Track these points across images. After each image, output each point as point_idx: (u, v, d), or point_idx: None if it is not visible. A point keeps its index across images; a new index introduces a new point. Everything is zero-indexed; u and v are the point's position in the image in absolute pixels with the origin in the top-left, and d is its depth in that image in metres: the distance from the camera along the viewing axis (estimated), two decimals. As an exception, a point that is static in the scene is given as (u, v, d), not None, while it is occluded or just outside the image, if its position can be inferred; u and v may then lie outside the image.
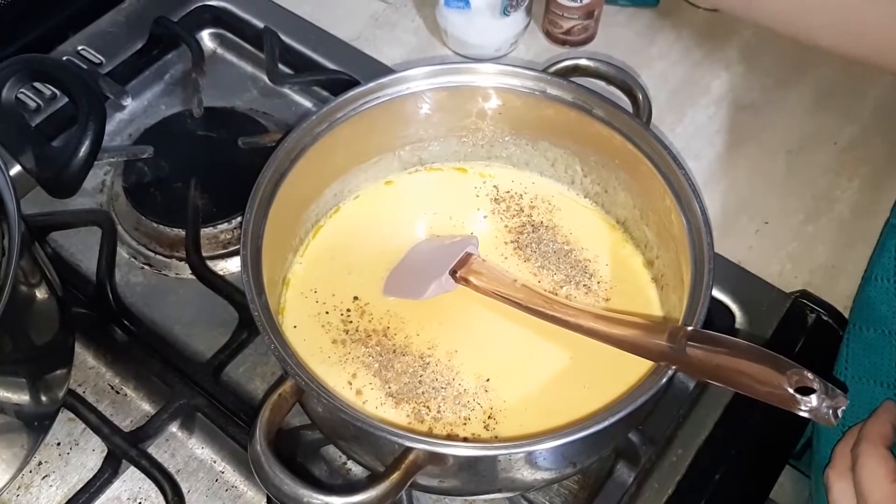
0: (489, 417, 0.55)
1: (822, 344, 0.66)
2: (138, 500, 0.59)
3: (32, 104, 0.75)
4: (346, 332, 0.59)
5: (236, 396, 0.62)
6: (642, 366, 0.53)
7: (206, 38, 0.84)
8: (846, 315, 0.67)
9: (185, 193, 0.70)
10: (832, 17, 0.58)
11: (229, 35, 0.84)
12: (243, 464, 0.60)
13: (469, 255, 0.60)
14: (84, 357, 0.65)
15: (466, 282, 0.59)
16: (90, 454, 0.61)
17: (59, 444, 0.61)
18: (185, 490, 0.59)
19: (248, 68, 0.83)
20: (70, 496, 0.57)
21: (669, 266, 0.58)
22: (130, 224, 0.70)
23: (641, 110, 0.60)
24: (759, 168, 0.77)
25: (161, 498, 0.57)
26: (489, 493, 0.56)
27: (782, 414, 0.45)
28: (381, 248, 0.63)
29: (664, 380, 0.48)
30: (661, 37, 0.86)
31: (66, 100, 0.67)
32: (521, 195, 0.66)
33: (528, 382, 0.57)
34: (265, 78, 0.79)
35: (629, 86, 0.61)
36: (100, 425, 0.59)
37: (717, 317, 0.65)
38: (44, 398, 0.58)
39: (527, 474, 0.51)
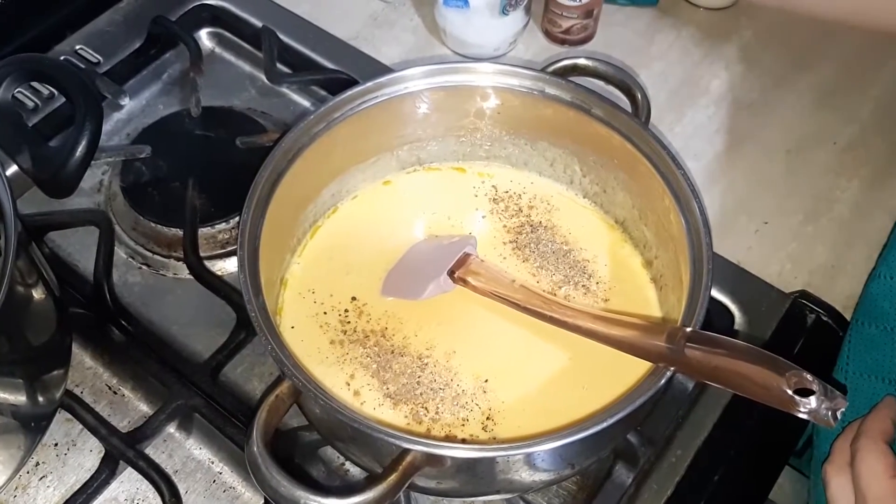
0: (487, 418, 0.55)
1: (822, 344, 0.66)
2: (136, 501, 0.59)
3: (30, 104, 0.75)
4: (344, 332, 0.59)
5: (234, 397, 0.62)
6: (641, 367, 0.52)
7: (204, 37, 0.84)
8: (846, 315, 0.67)
9: (183, 193, 0.70)
10: None
11: (227, 34, 0.84)
12: (241, 465, 0.60)
13: (467, 255, 0.60)
14: (81, 357, 0.64)
15: (465, 282, 0.59)
16: (87, 455, 0.60)
17: (56, 444, 0.61)
18: (182, 491, 0.59)
19: (247, 67, 0.83)
20: (67, 497, 0.57)
21: (668, 266, 0.58)
22: (128, 224, 0.70)
23: (640, 110, 0.60)
24: (758, 168, 0.76)
25: (158, 499, 0.57)
26: (487, 495, 0.56)
27: (781, 415, 0.45)
28: (379, 248, 0.63)
29: (663, 381, 0.48)
30: (661, 36, 0.86)
31: (64, 99, 0.67)
32: (519, 195, 0.66)
33: (526, 383, 0.57)
34: (263, 77, 0.79)
35: (628, 85, 0.61)
36: (97, 426, 0.59)
37: (717, 317, 0.65)
38: (41, 399, 0.57)
39: (525, 476, 0.51)
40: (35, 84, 0.75)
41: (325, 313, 0.59)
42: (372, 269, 0.61)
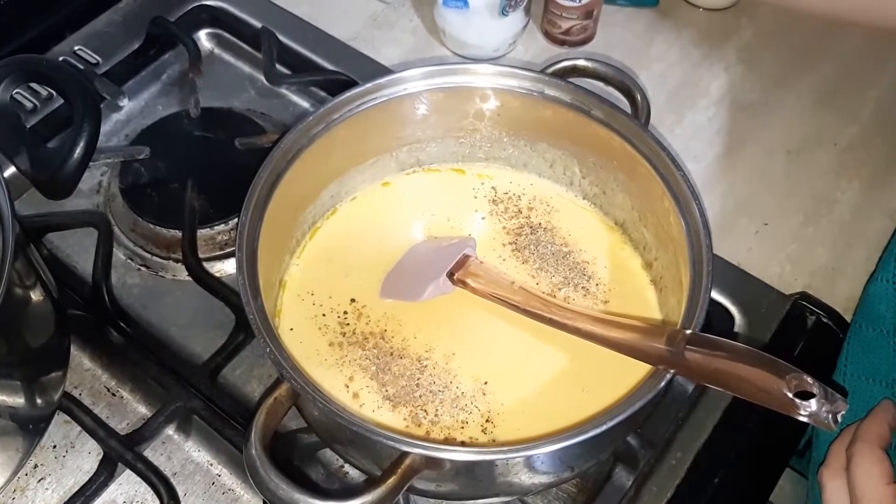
0: (487, 421, 0.55)
1: (822, 346, 0.65)
2: (134, 504, 0.59)
3: (29, 105, 0.75)
4: (343, 334, 0.58)
5: (233, 399, 0.62)
6: (641, 369, 0.52)
7: (203, 38, 0.84)
8: (846, 317, 0.66)
9: (182, 194, 0.70)
10: None
11: (226, 35, 0.83)
12: (240, 467, 0.59)
13: (467, 256, 0.60)
14: (80, 359, 0.64)
15: (464, 284, 0.59)
16: (86, 457, 0.60)
17: (54, 446, 0.61)
18: (181, 493, 0.59)
19: (246, 68, 0.82)
20: (66, 499, 0.57)
21: (668, 268, 0.58)
22: (127, 225, 0.70)
23: (640, 111, 0.60)
24: (758, 169, 0.76)
25: (157, 501, 0.57)
26: (487, 497, 0.56)
27: (782, 417, 0.44)
28: (378, 249, 0.63)
29: (663, 383, 0.48)
30: (661, 37, 0.86)
31: (63, 100, 0.67)
32: (519, 196, 0.66)
33: (526, 385, 0.56)
34: (262, 78, 0.79)
35: (628, 86, 0.61)
36: (95, 428, 0.59)
37: (717, 319, 0.65)
38: (39, 401, 0.57)
39: (525, 478, 0.51)
40: (34, 85, 0.75)
41: (323, 315, 0.59)
42: (371, 271, 0.61)
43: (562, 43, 0.84)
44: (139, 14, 0.82)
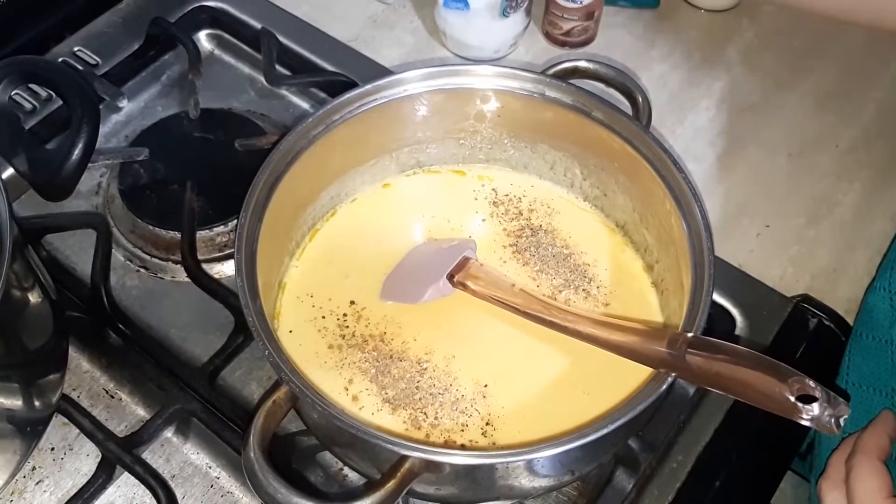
0: (487, 424, 0.55)
1: (824, 349, 0.65)
2: (132, 506, 0.59)
3: (28, 106, 0.75)
4: (343, 336, 0.58)
5: (232, 401, 0.61)
6: (642, 372, 0.52)
7: (202, 39, 0.83)
8: (848, 319, 0.66)
9: (181, 196, 0.69)
10: None
11: (226, 36, 0.83)
12: (239, 469, 0.59)
13: (467, 258, 0.60)
14: (78, 361, 0.64)
15: (464, 286, 0.58)
16: (84, 459, 0.60)
17: (52, 449, 0.60)
18: (179, 496, 0.58)
19: (246, 70, 0.82)
20: (64, 502, 0.57)
21: (669, 270, 0.58)
22: (126, 227, 0.70)
23: (641, 113, 0.59)
24: (759, 171, 0.76)
25: (155, 504, 0.57)
26: (487, 501, 0.56)
27: (783, 420, 0.44)
28: (378, 251, 0.62)
29: (664, 387, 0.48)
30: (662, 39, 0.85)
31: (62, 102, 0.67)
32: (519, 198, 0.66)
33: (526, 388, 0.56)
34: (262, 79, 0.79)
35: (629, 88, 0.60)
36: (94, 430, 0.59)
37: (718, 321, 0.65)
38: (37, 403, 0.57)
39: (525, 482, 0.51)
40: (33, 86, 0.75)
41: (323, 317, 0.59)
42: (371, 273, 0.61)
43: (563, 44, 0.83)
44: (139, 15, 0.82)
